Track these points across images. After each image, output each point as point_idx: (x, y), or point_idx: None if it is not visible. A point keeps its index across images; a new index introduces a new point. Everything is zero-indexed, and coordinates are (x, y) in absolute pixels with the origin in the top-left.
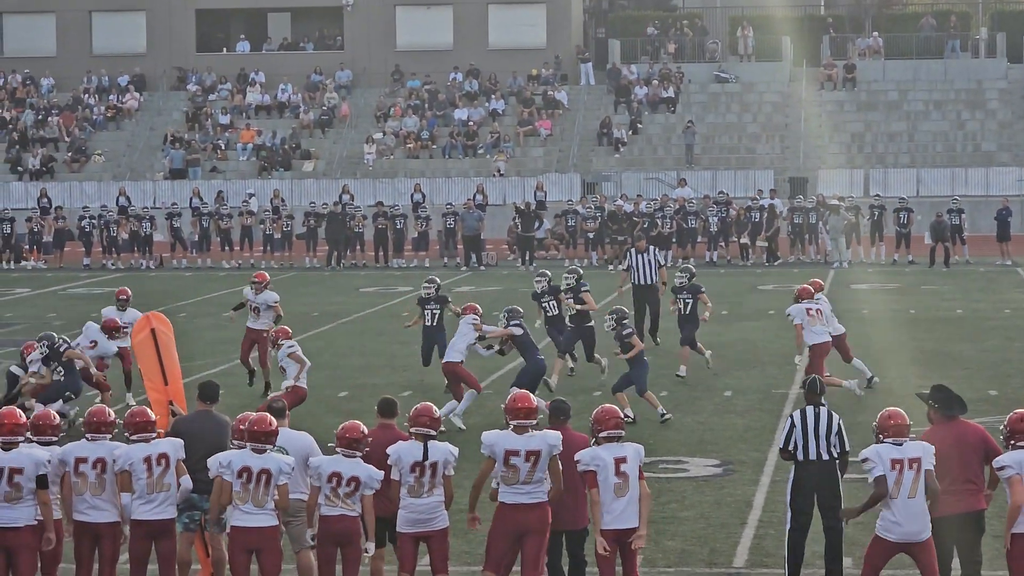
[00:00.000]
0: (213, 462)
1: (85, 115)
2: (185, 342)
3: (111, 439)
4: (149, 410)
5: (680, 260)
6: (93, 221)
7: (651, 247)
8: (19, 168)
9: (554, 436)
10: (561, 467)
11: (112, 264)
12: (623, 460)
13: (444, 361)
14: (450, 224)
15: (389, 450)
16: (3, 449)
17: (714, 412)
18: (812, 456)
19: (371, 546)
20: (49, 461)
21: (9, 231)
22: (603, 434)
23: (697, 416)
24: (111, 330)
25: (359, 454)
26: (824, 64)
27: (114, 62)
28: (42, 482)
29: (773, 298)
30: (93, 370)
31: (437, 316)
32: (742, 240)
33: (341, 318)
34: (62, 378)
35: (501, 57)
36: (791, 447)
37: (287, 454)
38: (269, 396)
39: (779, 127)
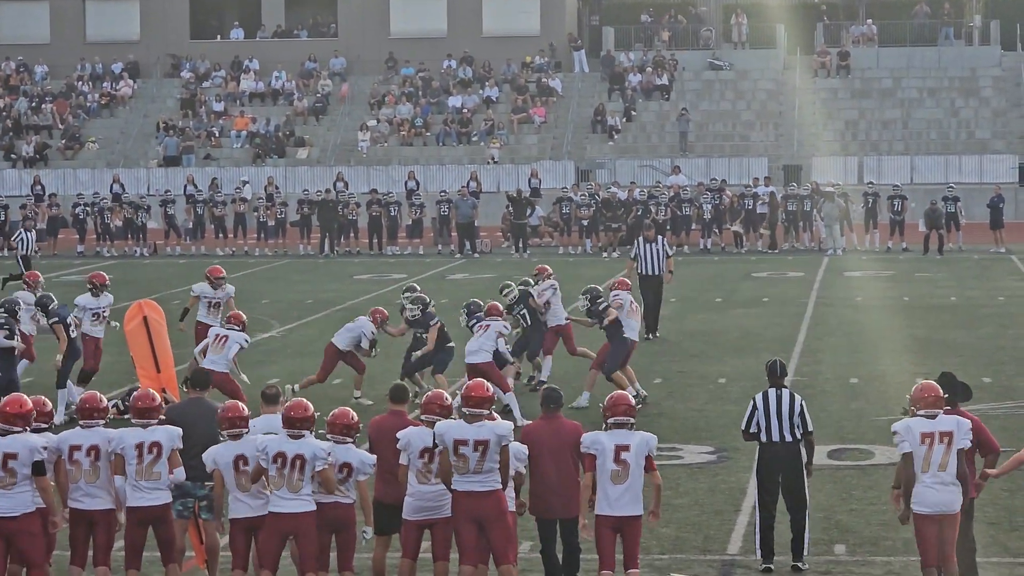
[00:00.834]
0: (250, 447)
1: (79, 102)
2: (177, 330)
3: (105, 426)
4: (157, 395)
5: (673, 248)
6: (87, 208)
7: (660, 237)
8: (13, 155)
9: (504, 427)
10: (566, 458)
11: (106, 251)
12: (625, 448)
13: (471, 363)
14: (444, 211)
15: (399, 434)
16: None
17: (708, 399)
18: (775, 438)
19: (369, 531)
20: (44, 447)
21: (3, 218)
22: (611, 420)
23: (691, 403)
24: (34, 283)
25: (350, 440)
26: (818, 51)
27: (108, 49)
28: (39, 468)
29: (768, 285)
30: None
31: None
32: (735, 228)
33: (335, 305)
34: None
35: (495, 44)
36: (752, 429)
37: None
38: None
39: (773, 114)
